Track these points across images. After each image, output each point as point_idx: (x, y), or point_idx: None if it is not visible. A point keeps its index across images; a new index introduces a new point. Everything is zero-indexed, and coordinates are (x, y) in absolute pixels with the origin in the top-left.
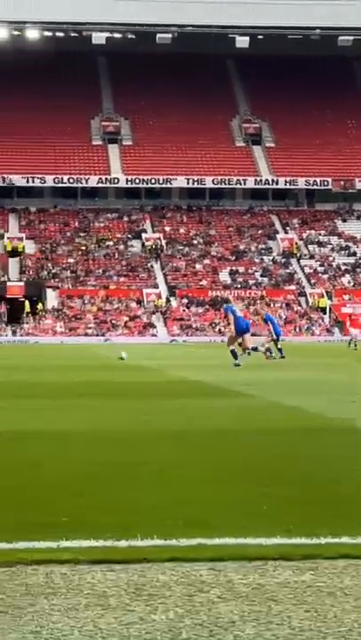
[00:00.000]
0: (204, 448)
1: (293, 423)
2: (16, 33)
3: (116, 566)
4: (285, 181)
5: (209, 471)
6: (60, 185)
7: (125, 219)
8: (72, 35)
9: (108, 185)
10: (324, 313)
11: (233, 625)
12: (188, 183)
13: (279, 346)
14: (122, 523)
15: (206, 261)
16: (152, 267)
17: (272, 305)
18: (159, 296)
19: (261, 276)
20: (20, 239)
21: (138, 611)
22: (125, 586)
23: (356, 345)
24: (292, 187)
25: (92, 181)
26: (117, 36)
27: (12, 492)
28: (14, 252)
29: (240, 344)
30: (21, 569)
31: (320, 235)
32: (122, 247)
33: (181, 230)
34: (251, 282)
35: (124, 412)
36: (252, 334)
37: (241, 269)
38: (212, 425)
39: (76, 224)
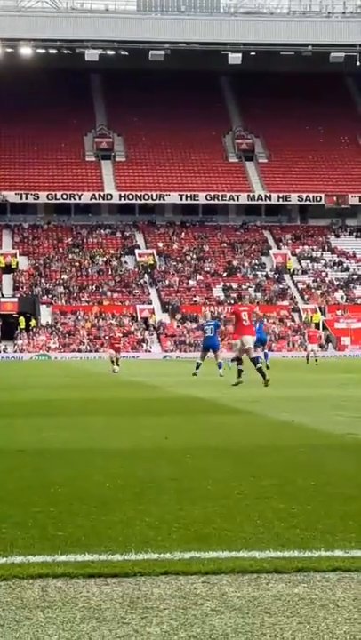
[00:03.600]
0: (204, 464)
1: (292, 439)
2: (9, 50)
3: (110, 580)
4: (278, 197)
5: (206, 487)
6: (53, 201)
7: (119, 235)
8: (65, 52)
9: (101, 201)
10: (318, 328)
11: (226, 637)
12: (181, 199)
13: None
14: (116, 537)
15: (200, 277)
16: (145, 283)
17: (266, 321)
18: (152, 312)
19: (255, 291)
20: (14, 255)
21: (133, 624)
22: (120, 599)
23: (316, 360)
24: (285, 202)
25: (86, 197)
26: (110, 53)
27: (13, 509)
28: (8, 269)
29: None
30: (17, 582)
31: (313, 250)
32: (115, 263)
33: (175, 246)
34: (244, 297)
35: (126, 430)
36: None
37: (234, 285)
38: (212, 441)
39: (70, 240)
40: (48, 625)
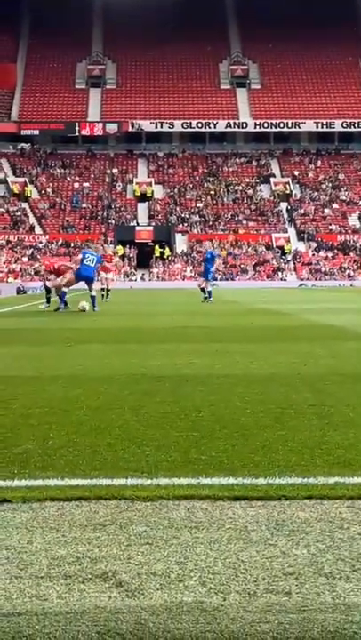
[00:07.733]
0: (342, 391)
1: None
2: None
3: (255, 502)
4: None
5: (348, 414)
6: (188, 130)
7: (254, 163)
8: None
9: (236, 129)
10: None
11: None
12: (316, 127)
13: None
14: (259, 461)
15: (335, 206)
16: (281, 211)
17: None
18: (288, 240)
19: None
20: (149, 184)
21: (279, 545)
22: (266, 522)
23: None
24: None
25: (221, 126)
26: None
27: (155, 433)
28: (143, 197)
29: None
30: (163, 503)
31: None
32: (250, 192)
33: (310, 174)
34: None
35: (262, 357)
36: None
37: None
38: (349, 368)
39: (205, 169)
40: (196, 544)
